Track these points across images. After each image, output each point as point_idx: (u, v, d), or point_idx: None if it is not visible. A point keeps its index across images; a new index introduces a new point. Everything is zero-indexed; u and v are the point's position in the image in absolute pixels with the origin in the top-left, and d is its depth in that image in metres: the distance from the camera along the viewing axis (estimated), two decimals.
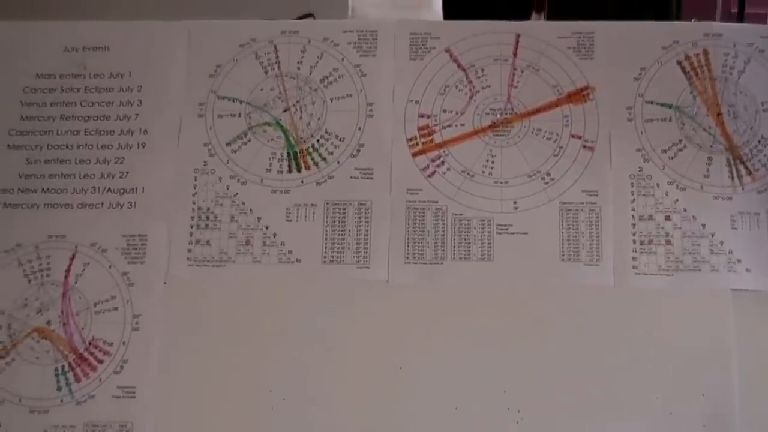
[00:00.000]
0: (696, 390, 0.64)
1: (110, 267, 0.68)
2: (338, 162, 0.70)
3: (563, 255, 0.67)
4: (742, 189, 0.68)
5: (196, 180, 0.70)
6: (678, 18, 0.82)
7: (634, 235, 0.67)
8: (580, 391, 0.64)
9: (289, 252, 0.68)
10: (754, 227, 0.67)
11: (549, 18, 0.81)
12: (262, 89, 0.72)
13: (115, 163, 0.71)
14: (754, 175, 0.68)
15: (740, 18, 0.81)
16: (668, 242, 0.67)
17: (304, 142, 0.71)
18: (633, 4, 0.83)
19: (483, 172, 0.69)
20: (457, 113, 0.71)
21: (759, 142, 0.69)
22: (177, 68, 0.72)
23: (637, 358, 0.64)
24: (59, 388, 0.66)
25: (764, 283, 0.66)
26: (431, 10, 0.84)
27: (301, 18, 0.77)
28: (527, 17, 0.81)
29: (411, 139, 0.70)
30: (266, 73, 0.72)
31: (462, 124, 0.70)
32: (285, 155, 0.70)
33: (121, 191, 0.70)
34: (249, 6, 0.84)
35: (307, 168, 0.70)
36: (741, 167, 0.69)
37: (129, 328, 0.67)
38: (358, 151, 0.70)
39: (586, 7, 0.81)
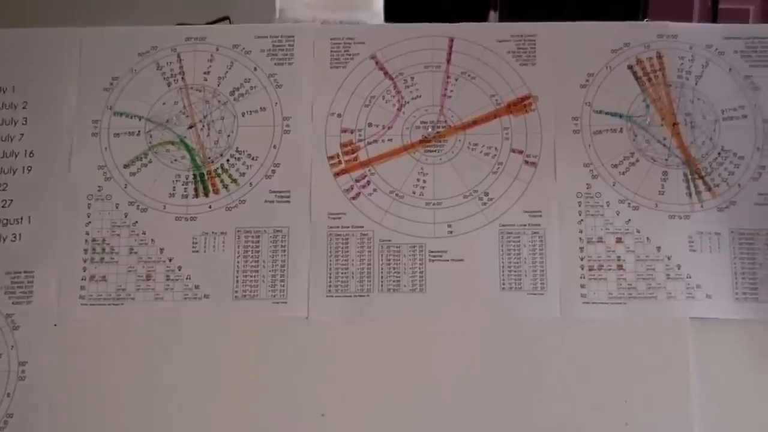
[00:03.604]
0: None
1: None
2: (251, 184, 0.66)
3: (504, 284, 0.64)
4: (701, 206, 0.65)
5: (89, 208, 0.66)
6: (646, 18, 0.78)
7: (582, 260, 0.64)
8: None
9: (196, 287, 0.65)
10: (715, 249, 0.64)
11: (502, 20, 0.76)
12: (164, 103, 0.68)
13: None
14: (713, 191, 0.65)
15: (714, 15, 0.77)
16: (620, 267, 0.64)
17: (212, 162, 0.67)
18: (597, 3, 0.78)
19: (413, 192, 0.66)
20: (384, 127, 0.67)
21: (719, 154, 0.66)
22: (67, 81, 0.68)
23: (586, 399, 0.62)
24: None
25: (726, 311, 0.63)
26: (371, 11, 0.77)
27: (214, 22, 0.72)
28: (485, 18, 0.76)
29: (332, 157, 0.67)
30: (169, 85, 0.68)
31: (390, 140, 0.67)
32: (191, 178, 0.67)
33: (4, 222, 0.66)
34: (156, 11, 0.78)
35: (216, 192, 0.66)
36: (699, 182, 0.65)
37: (14, 378, 0.63)
38: (274, 171, 0.67)
39: (543, 7, 0.76)
